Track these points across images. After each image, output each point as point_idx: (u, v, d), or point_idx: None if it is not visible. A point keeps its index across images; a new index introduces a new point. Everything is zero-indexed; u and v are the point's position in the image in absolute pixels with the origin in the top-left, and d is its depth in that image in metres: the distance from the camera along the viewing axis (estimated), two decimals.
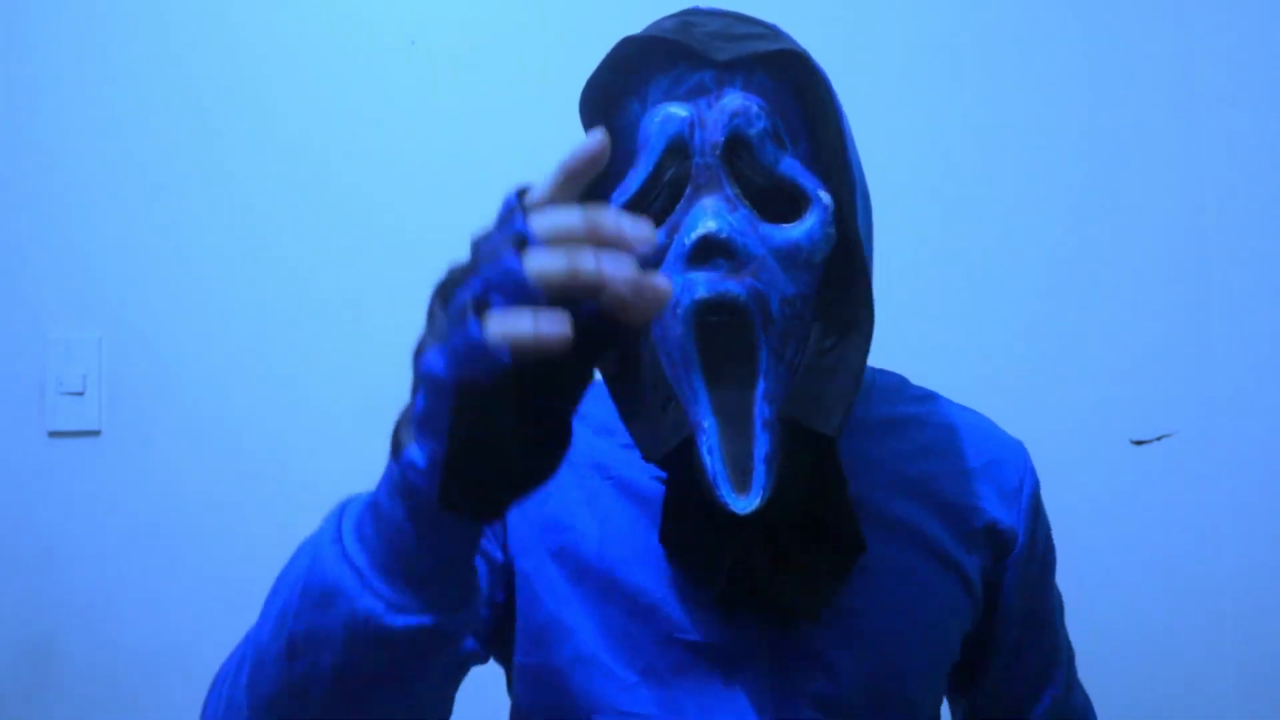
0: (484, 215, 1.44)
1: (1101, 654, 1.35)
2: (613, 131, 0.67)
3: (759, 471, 0.66)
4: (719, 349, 0.67)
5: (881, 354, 1.35)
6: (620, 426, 0.74)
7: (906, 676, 0.76)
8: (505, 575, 0.77)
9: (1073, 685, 0.90)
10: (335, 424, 1.34)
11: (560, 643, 0.74)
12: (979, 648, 0.83)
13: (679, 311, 0.66)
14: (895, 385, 0.86)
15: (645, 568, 0.73)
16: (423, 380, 0.53)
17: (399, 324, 1.36)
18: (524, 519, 0.76)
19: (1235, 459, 1.36)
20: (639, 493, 0.76)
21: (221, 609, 1.33)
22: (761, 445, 0.66)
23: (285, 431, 1.34)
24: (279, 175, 1.36)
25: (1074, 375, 1.37)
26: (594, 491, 0.77)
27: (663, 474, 0.73)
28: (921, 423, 0.82)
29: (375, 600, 0.54)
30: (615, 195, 0.70)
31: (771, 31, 0.71)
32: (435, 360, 0.52)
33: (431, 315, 0.56)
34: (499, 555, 0.76)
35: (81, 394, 1.34)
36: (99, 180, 1.37)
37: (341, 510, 0.59)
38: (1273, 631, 1.34)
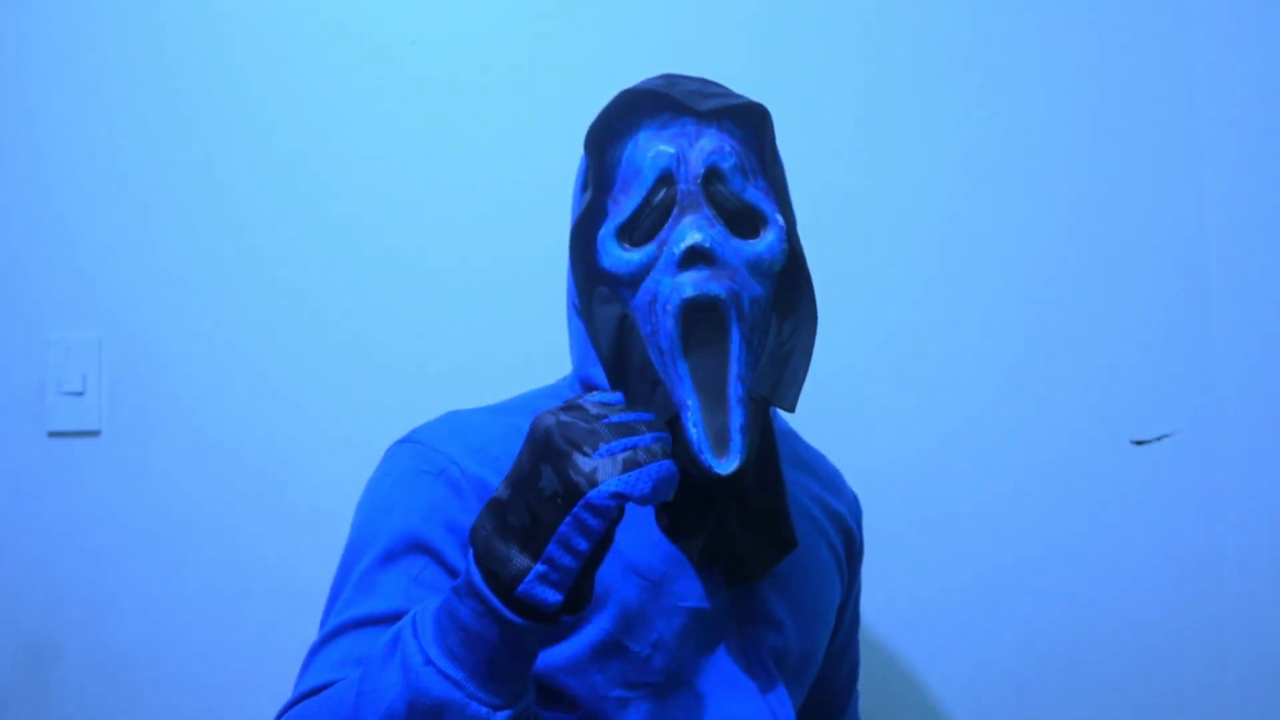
0: (483, 214, 1.44)
1: (1102, 654, 1.35)
2: (608, 164, 0.86)
3: (735, 439, 0.80)
4: (701, 340, 0.82)
5: (883, 354, 1.36)
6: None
7: (819, 642, 0.96)
8: None
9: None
10: (334, 425, 1.34)
11: (576, 635, 0.84)
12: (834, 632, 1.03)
13: (669, 308, 0.81)
14: None
15: (649, 546, 0.86)
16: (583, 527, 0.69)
17: (399, 324, 1.36)
18: None
19: (1235, 459, 1.36)
20: None
21: (220, 609, 1.33)
22: (736, 417, 0.81)
23: (285, 432, 1.34)
24: (279, 176, 1.36)
25: (1074, 375, 1.37)
26: None
27: None
28: (792, 436, 1.05)
29: (480, 706, 0.69)
30: (612, 214, 0.85)
31: (733, 92, 0.88)
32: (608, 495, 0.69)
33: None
34: None
35: (81, 394, 1.34)
36: (99, 180, 1.37)
37: (414, 634, 0.71)
38: (1273, 631, 1.34)
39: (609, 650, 0.83)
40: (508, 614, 0.68)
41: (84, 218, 1.37)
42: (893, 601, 1.33)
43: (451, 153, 1.37)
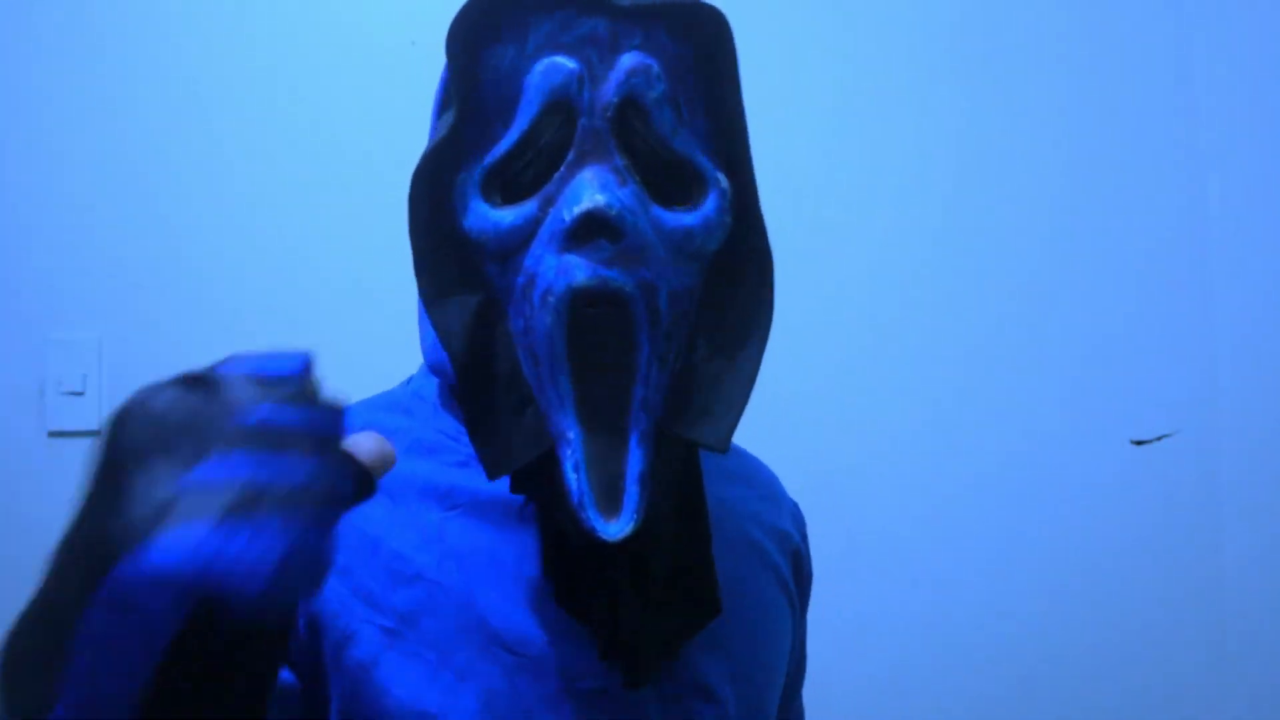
0: None
1: (1101, 654, 1.35)
2: (478, 77, 0.59)
3: (631, 493, 0.56)
4: (593, 346, 0.56)
5: (880, 354, 1.36)
6: (442, 443, 0.66)
7: (767, 698, 0.72)
8: (310, 695, 0.61)
9: None
10: None
11: None
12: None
13: (550, 299, 0.56)
14: None
15: (522, 608, 0.61)
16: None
17: (400, 323, 1.36)
18: (341, 600, 0.61)
19: (1235, 459, 1.36)
20: (495, 516, 0.64)
21: None
22: (635, 461, 0.56)
23: None
24: (279, 175, 1.36)
25: (1074, 375, 1.37)
26: (437, 528, 0.63)
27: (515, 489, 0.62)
28: (730, 457, 0.75)
29: None
30: (478, 157, 0.60)
31: None
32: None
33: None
34: (292, 678, 0.60)
35: (81, 394, 1.34)
36: (99, 180, 1.37)
37: None
38: (1273, 631, 1.34)
39: None
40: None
41: (84, 218, 1.37)
42: (889, 603, 1.33)
43: None
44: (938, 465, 1.36)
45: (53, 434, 1.35)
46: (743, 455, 0.79)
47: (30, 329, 1.36)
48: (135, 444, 0.39)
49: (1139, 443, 1.36)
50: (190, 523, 0.36)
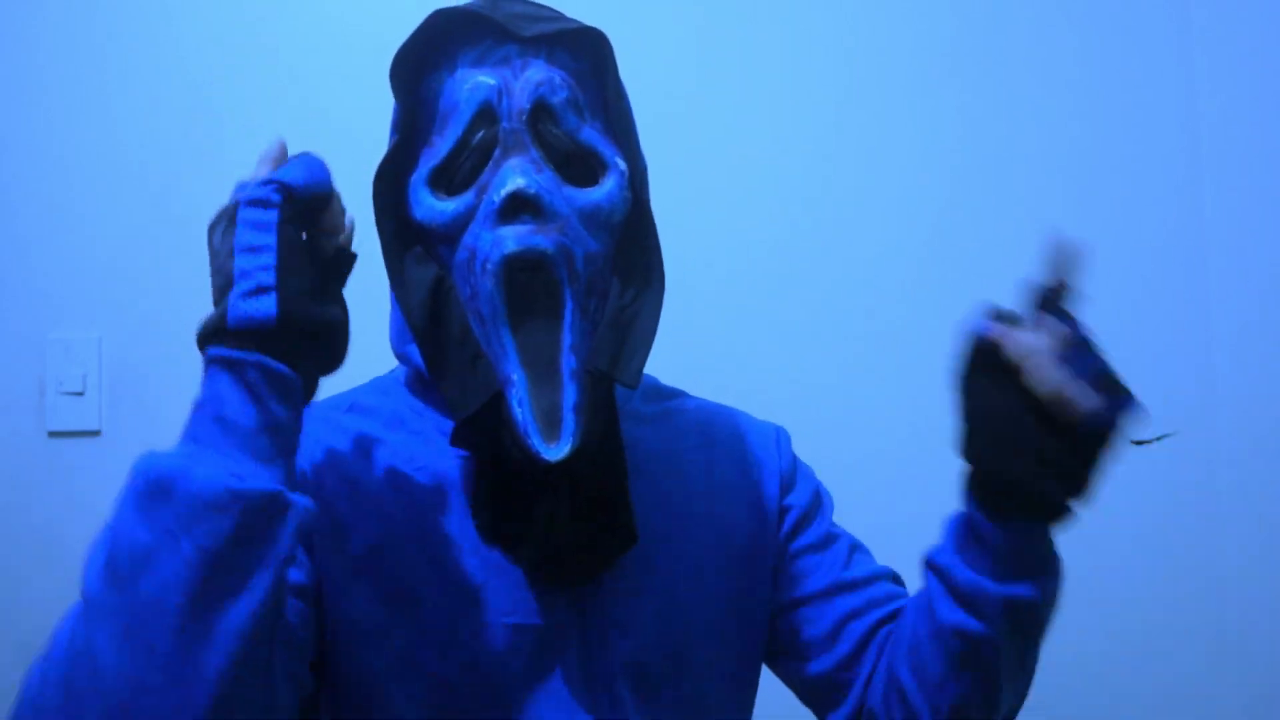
0: None
1: (1101, 654, 1.35)
2: (420, 99, 0.75)
3: (568, 420, 0.69)
4: (527, 304, 0.70)
5: (880, 354, 1.36)
6: (409, 417, 0.80)
7: (694, 640, 0.79)
8: (316, 606, 0.74)
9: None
10: None
11: (377, 651, 0.73)
12: (793, 613, 0.85)
13: (489, 267, 0.70)
14: (651, 385, 0.90)
15: (464, 553, 0.74)
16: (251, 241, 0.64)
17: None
18: (325, 533, 0.75)
19: (1235, 459, 1.36)
20: (447, 478, 0.77)
21: None
22: (569, 394, 0.69)
23: None
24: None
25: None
26: (398, 486, 0.77)
27: (463, 453, 0.76)
28: (682, 413, 0.88)
29: (256, 479, 0.59)
30: (424, 158, 0.75)
31: (566, 16, 0.77)
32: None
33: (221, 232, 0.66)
34: (309, 583, 0.73)
35: (81, 394, 1.34)
36: (99, 180, 1.37)
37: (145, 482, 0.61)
38: (1273, 631, 1.34)
39: (409, 669, 0.72)
40: (234, 353, 0.62)
41: (84, 218, 1.37)
42: None
43: None
44: (937, 465, 1.36)
45: (53, 434, 1.35)
46: (716, 416, 0.89)
47: (30, 329, 1.36)
48: (217, 213, 0.67)
49: (1139, 443, 1.35)
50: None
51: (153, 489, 0.59)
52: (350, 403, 0.81)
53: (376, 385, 0.85)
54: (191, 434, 0.62)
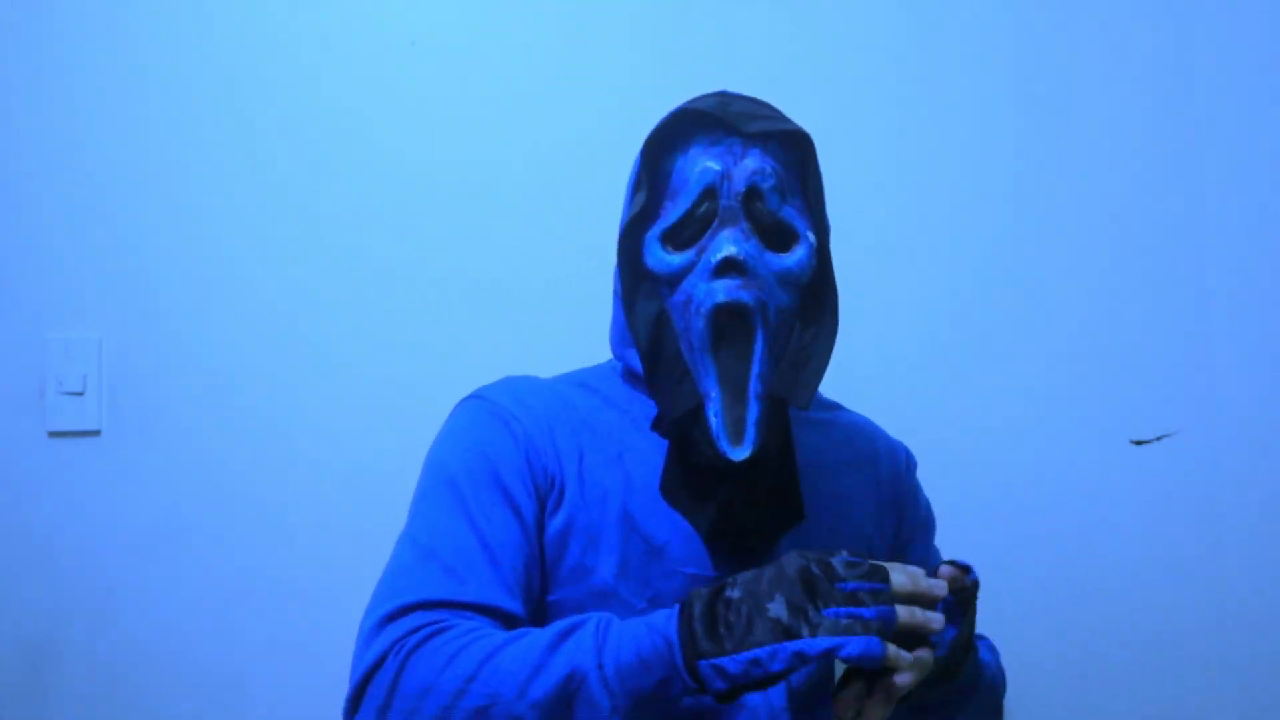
0: (482, 214, 1.43)
1: (1101, 654, 1.35)
2: (661, 173, 0.95)
3: (750, 431, 0.89)
4: (728, 340, 0.91)
5: (890, 355, 1.36)
6: (634, 408, 1.00)
7: None
8: (540, 538, 0.94)
9: None
10: (335, 423, 1.34)
11: (584, 579, 0.92)
12: None
13: (702, 310, 0.90)
14: (817, 397, 1.08)
15: (657, 516, 0.94)
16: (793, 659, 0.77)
17: (399, 322, 1.36)
18: (564, 484, 0.95)
19: (1235, 459, 1.36)
20: (646, 454, 0.96)
21: (222, 609, 1.33)
22: (753, 411, 0.90)
23: (285, 431, 1.34)
24: (279, 175, 1.36)
25: (1074, 375, 1.37)
26: (619, 455, 0.97)
27: (665, 441, 0.94)
28: (836, 425, 1.09)
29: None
30: (660, 220, 0.94)
31: (783, 116, 0.97)
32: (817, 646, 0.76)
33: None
34: (534, 526, 0.93)
35: (81, 394, 1.34)
36: (100, 180, 1.37)
37: (595, 634, 0.81)
38: (1273, 631, 1.34)
39: (606, 597, 0.92)
40: (681, 669, 0.77)
41: (84, 218, 1.36)
42: None
43: (452, 151, 1.37)
44: (936, 466, 1.36)
45: (53, 434, 1.35)
46: (859, 426, 1.10)
47: (30, 329, 1.36)
48: (803, 592, 0.78)
49: (1139, 443, 1.36)
50: (831, 633, 0.76)
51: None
52: (580, 381, 1.02)
53: (598, 371, 1.05)
54: None
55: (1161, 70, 1.40)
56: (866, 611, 0.76)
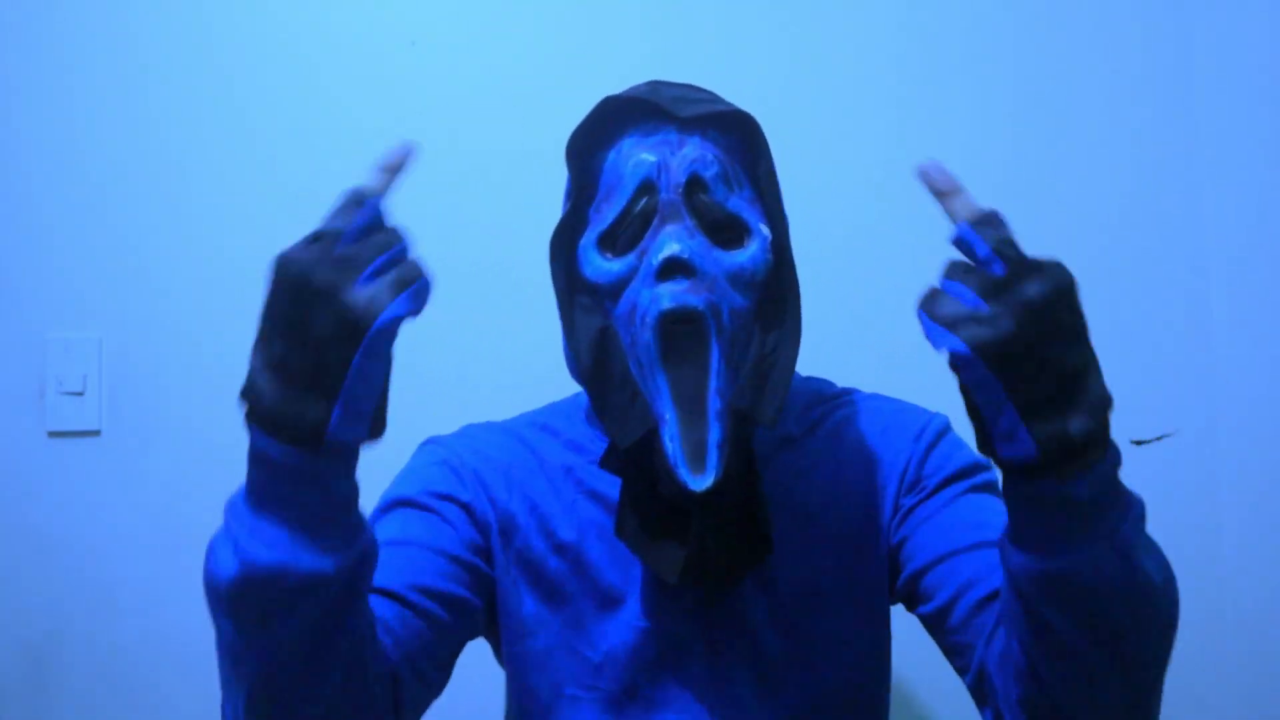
0: (481, 214, 1.44)
1: None
2: (590, 172, 0.85)
3: (712, 455, 0.78)
4: (679, 352, 0.80)
5: (892, 353, 1.36)
6: (586, 445, 0.92)
7: (822, 642, 0.89)
8: (490, 585, 0.90)
9: None
10: None
11: (537, 633, 0.89)
12: (917, 592, 0.90)
13: (648, 320, 0.80)
14: (814, 391, 0.98)
15: (615, 565, 0.88)
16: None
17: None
18: (513, 528, 0.90)
19: (1235, 459, 1.36)
20: (607, 500, 0.89)
21: None
22: (714, 432, 0.79)
23: None
24: (279, 175, 1.36)
25: None
26: (570, 500, 0.91)
27: (619, 480, 0.86)
28: (823, 428, 0.95)
29: (314, 561, 0.68)
30: (593, 223, 0.85)
31: (720, 99, 0.87)
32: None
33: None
34: (486, 569, 0.90)
35: (81, 394, 1.35)
36: (99, 180, 1.37)
37: (232, 512, 0.75)
38: (1273, 631, 1.34)
39: (562, 651, 0.88)
40: (309, 462, 0.67)
41: (83, 219, 1.37)
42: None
43: (452, 151, 1.37)
44: None
45: (53, 434, 1.35)
46: (874, 413, 0.96)
47: (30, 329, 1.36)
48: (324, 283, 0.66)
49: (1139, 443, 1.36)
50: (388, 297, 0.67)
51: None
52: (541, 423, 0.96)
53: (561, 409, 0.98)
54: None
55: (1161, 70, 1.40)
56: (394, 253, 0.71)
